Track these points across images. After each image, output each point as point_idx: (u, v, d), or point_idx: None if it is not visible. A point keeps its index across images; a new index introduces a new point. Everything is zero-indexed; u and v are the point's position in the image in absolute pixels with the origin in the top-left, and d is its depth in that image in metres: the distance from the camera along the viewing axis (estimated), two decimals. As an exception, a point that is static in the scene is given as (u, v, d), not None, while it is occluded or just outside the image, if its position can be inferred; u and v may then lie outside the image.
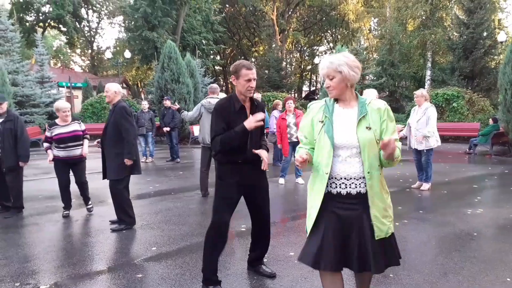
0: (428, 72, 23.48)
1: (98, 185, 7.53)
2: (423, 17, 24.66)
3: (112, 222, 5.15)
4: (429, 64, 23.81)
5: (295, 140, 7.22)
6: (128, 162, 4.82)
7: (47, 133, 5.50)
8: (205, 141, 6.26)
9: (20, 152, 5.60)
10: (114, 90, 5.03)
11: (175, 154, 11.25)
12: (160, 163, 10.99)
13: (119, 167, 4.84)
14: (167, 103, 11.10)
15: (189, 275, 3.58)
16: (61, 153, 5.45)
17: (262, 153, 3.14)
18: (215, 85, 6.79)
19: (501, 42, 18.98)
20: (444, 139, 15.40)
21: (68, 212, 5.67)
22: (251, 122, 3.01)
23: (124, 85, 36.63)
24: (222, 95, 6.85)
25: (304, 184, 7.18)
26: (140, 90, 39.63)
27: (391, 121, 2.31)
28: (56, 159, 5.49)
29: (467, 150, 12.50)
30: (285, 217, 5.59)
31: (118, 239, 4.65)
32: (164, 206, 6.12)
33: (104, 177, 4.99)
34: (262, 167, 3.19)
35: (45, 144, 5.59)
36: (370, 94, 5.56)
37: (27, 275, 3.66)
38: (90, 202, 5.87)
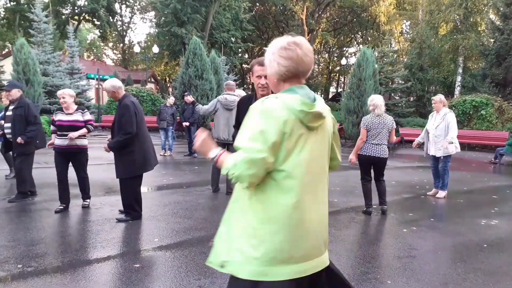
0: (459, 78, 22.83)
1: (112, 175, 7.74)
2: (457, 21, 23.98)
3: (121, 212, 5.24)
4: (460, 70, 23.15)
5: None
6: (105, 149, 4.87)
7: (53, 116, 5.51)
8: (219, 137, 6.30)
9: (27, 133, 5.69)
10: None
11: (193, 149, 11.36)
12: (178, 157, 11.13)
13: (127, 164, 4.83)
14: (188, 98, 11.22)
15: (184, 268, 3.60)
16: (57, 141, 5.35)
17: None
18: (232, 82, 6.83)
19: (537, 50, 18.21)
20: (470, 147, 14.96)
21: (62, 207, 5.39)
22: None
23: (153, 80, 37.33)
24: (240, 92, 6.88)
25: (342, 195, 7.09)
26: (168, 85, 40.27)
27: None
28: (54, 148, 5.40)
29: (493, 159, 12.07)
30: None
31: (123, 228, 4.73)
32: (174, 199, 6.20)
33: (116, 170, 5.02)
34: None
35: (52, 127, 5.56)
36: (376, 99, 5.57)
37: (31, 258, 3.77)
38: (87, 200, 5.66)
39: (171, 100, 11.40)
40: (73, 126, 5.30)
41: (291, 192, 1.62)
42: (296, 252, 1.64)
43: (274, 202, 1.63)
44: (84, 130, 5.36)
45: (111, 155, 5.04)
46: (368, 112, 5.67)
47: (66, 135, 5.25)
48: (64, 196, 5.44)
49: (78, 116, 5.40)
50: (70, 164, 5.49)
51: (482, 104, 15.62)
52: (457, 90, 22.46)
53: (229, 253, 1.68)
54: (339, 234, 4.74)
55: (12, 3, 38.24)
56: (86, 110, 5.61)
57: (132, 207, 5.01)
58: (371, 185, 5.67)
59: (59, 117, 5.36)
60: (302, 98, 1.63)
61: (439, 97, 6.75)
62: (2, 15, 40.49)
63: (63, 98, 5.34)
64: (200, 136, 1.80)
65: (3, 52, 26.36)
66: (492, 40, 20.36)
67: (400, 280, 3.51)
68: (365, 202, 5.66)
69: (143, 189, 5.29)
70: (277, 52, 1.69)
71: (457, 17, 23.54)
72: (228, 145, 5.82)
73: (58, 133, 5.34)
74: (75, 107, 5.46)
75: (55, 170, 5.41)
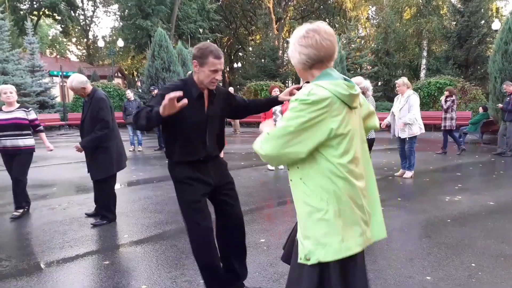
0: (424, 61, 23.41)
1: (80, 173, 7.55)
2: (420, 5, 24.50)
3: (88, 215, 5.02)
4: (424, 53, 23.73)
5: None
6: (77, 149, 4.55)
7: None
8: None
9: None
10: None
11: (163, 143, 11.24)
12: (148, 152, 10.98)
13: (103, 163, 4.57)
14: (155, 92, 11.06)
15: (155, 262, 3.58)
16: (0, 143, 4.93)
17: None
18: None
19: (496, 31, 18.85)
20: (435, 128, 15.40)
21: (18, 213, 5.01)
22: (164, 105, 2.17)
23: (119, 74, 36.49)
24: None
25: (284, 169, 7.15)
26: (136, 79, 39.46)
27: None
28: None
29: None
30: (263, 204, 5.59)
31: (91, 227, 4.63)
32: (144, 195, 6.12)
33: (89, 171, 4.74)
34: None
35: None
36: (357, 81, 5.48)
37: (-6, 262, 3.66)
38: (20, 210, 5.04)
39: (129, 93, 11.19)
40: (17, 124, 4.90)
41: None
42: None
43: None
44: (44, 135, 5.20)
45: (78, 154, 4.83)
46: None
47: (10, 135, 4.87)
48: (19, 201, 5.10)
49: (20, 114, 4.97)
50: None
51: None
52: (422, 73, 23.04)
53: None
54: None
55: (-35, 0, 36.42)
56: (30, 108, 5.17)
57: (108, 209, 4.78)
58: None
59: None
60: (345, 82, 1.68)
61: (402, 80, 6.89)
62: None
63: (10, 93, 4.94)
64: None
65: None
66: (453, 23, 20.93)
67: (368, 259, 3.56)
68: None
69: (113, 186, 5.17)
70: (297, 42, 1.74)
71: (420, 1, 24.06)
72: None
73: (0, 134, 4.88)
74: (18, 104, 5.05)
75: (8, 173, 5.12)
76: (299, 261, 1.73)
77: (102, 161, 4.58)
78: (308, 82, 1.84)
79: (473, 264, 3.44)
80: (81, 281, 3.27)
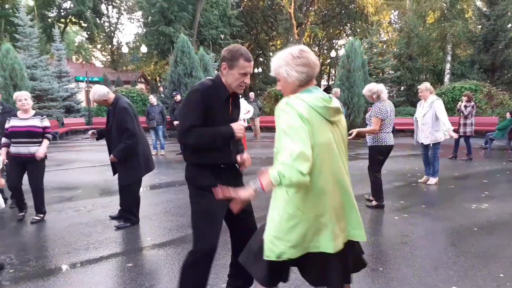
0: (448, 66, 22.94)
1: (104, 176, 7.70)
2: (444, 9, 24.07)
3: (112, 218, 5.12)
4: (448, 58, 23.26)
5: None
6: (112, 159, 4.67)
7: (6, 124, 4.96)
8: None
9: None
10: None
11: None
12: (170, 156, 11.11)
13: (132, 169, 4.68)
14: (177, 97, 11.21)
15: (177, 265, 3.61)
16: (12, 149, 4.89)
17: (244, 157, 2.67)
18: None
19: (524, 34, 18.36)
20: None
21: (23, 214, 5.14)
22: (240, 129, 2.48)
23: (143, 80, 37.13)
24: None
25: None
26: (158, 84, 40.07)
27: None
28: (10, 156, 4.93)
29: (483, 145, 12.17)
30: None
31: (115, 230, 4.72)
32: (166, 198, 6.19)
33: (114, 174, 4.87)
34: (240, 169, 2.74)
35: (3, 139, 4.98)
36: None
37: (23, 262, 3.76)
38: (41, 214, 5.10)
39: (152, 98, 11.38)
40: (32, 132, 4.90)
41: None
42: None
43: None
44: (46, 143, 4.98)
45: (102, 157, 4.94)
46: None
47: (23, 142, 4.84)
48: (22, 205, 5.17)
49: (36, 122, 4.96)
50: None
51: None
52: (446, 78, 22.57)
53: None
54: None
55: (-4, 8, 37.82)
56: (44, 116, 5.16)
57: (132, 212, 4.87)
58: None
59: (13, 123, 4.87)
60: (322, 96, 1.91)
61: (425, 85, 6.78)
62: (-14, 21, 40.04)
63: (25, 100, 4.92)
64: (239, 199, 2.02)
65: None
66: (479, 27, 20.48)
67: (392, 267, 3.55)
68: (379, 196, 5.43)
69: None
70: (291, 63, 1.93)
71: (444, 5, 23.65)
72: None
73: (13, 140, 4.86)
74: (33, 112, 5.08)
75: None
76: (266, 258, 2.00)
77: (131, 166, 4.68)
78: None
79: (501, 275, 3.34)
80: (105, 282, 3.33)
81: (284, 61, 1.94)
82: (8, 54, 14.71)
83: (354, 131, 5.26)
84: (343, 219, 2.03)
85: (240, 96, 5.41)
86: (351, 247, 2.11)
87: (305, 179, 1.76)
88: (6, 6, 36.38)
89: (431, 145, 6.74)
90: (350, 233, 2.07)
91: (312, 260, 2.03)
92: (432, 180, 6.90)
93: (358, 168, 8.61)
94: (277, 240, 1.98)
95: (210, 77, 2.64)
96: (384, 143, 5.30)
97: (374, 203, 5.46)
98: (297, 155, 1.73)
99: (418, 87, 6.96)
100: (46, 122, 5.08)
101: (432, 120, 6.59)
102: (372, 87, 5.37)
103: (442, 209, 5.42)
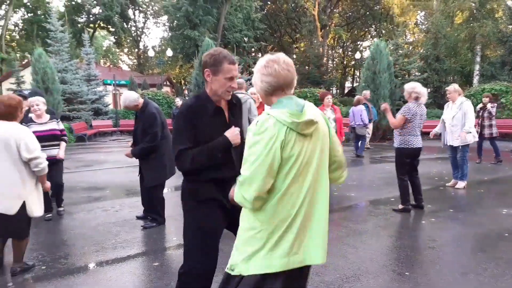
0: (477, 67, 22.34)
1: (131, 177, 7.87)
2: (472, 9, 23.47)
3: (139, 218, 5.23)
4: (478, 59, 22.65)
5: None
6: (128, 155, 4.80)
7: None
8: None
9: None
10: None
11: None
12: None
13: (155, 173, 4.78)
14: (179, 104, 11.37)
15: (202, 265, 3.65)
16: None
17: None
18: (241, 80, 6.70)
19: (558, 34, 17.67)
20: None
21: (50, 216, 5.24)
22: (235, 135, 2.31)
23: (168, 83, 37.71)
24: (252, 90, 6.79)
25: (358, 189, 6.92)
26: (183, 87, 40.61)
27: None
28: None
29: (514, 148, 11.78)
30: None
31: (142, 229, 4.81)
32: (191, 199, 6.25)
33: (139, 175, 4.99)
34: None
35: None
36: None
37: (54, 259, 3.89)
38: (62, 205, 5.55)
39: (178, 102, 11.57)
40: (53, 135, 5.10)
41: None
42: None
43: None
44: (64, 145, 5.25)
45: (129, 159, 5.06)
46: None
47: (46, 146, 4.86)
48: (49, 205, 5.24)
49: (54, 125, 5.18)
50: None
51: (502, 92, 15.24)
52: (475, 79, 21.98)
53: None
54: (356, 228, 4.72)
55: (29, 15, 39.24)
56: (59, 119, 5.40)
57: (157, 212, 4.97)
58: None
59: (34, 128, 4.87)
60: (290, 110, 1.77)
61: (453, 87, 6.64)
62: (20, 27, 41.60)
63: (37, 105, 5.03)
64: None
65: (23, 63, 27.07)
66: (510, 26, 19.85)
67: (419, 272, 3.49)
68: (405, 199, 5.34)
69: (162, 190, 5.35)
70: (259, 71, 1.90)
71: (473, 5, 23.05)
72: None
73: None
74: (47, 116, 5.22)
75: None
76: (226, 270, 1.88)
77: (157, 168, 4.76)
78: None
79: (534, 282, 3.24)
80: (133, 281, 3.41)
81: (256, 69, 1.93)
82: (41, 59, 15.22)
83: (386, 105, 5.47)
84: (306, 232, 1.83)
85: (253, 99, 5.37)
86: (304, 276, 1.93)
87: (256, 207, 1.78)
88: (39, 12, 37.77)
89: (460, 147, 6.58)
90: (309, 252, 1.83)
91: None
92: (461, 184, 6.73)
93: (384, 171, 8.50)
94: (236, 249, 1.89)
95: (196, 94, 2.54)
96: (411, 145, 5.22)
97: (400, 206, 5.37)
98: (250, 184, 1.74)
99: (446, 88, 6.82)
100: (61, 125, 5.36)
101: (462, 121, 6.44)
102: (415, 86, 5.33)
103: (471, 214, 5.28)
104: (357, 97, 11.43)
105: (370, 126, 11.90)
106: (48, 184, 3.81)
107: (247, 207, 1.82)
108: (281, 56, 1.90)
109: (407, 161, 5.35)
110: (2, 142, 3.34)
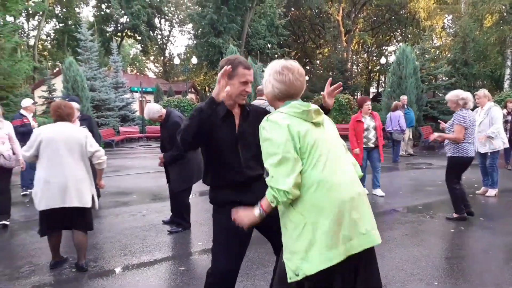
0: (508, 71, 21.66)
1: (157, 183, 8.00)
2: (503, 12, 22.82)
3: (165, 223, 5.33)
4: (508, 63, 21.95)
5: (372, 145, 6.47)
6: (161, 160, 4.88)
7: None
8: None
9: None
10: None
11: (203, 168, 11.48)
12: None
13: (182, 178, 4.87)
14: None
15: (227, 271, 3.68)
16: None
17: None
18: (261, 87, 6.78)
19: None
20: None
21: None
22: (218, 93, 2.20)
23: (193, 90, 38.24)
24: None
25: (384, 196, 6.68)
26: (208, 94, 41.09)
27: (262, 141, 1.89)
28: None
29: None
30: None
31: (168, 234, 4.89)
32: (216, 205, 6.31)
33: (168, 181, 5.11)
34: None
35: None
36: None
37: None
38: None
39: None
40: None
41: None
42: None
43: None
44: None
45: (155, 164, 5.15)
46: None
47: None
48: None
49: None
50: None
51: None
52: (506, 84, 21.32)
53: None
54: (383, 236, 4.61)
55: (61, 25, 40.66)
56: (85, 125, 5.59)
57: (183, 217, 5.06)
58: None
59: None
60: (298, 103, 1.92)
61: (483, 92, 6.49)
62: (52, 37, 43.14)
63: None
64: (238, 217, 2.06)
65: (54, 71, 28.04)
66: (543, 29, 19.22)
67: (448, 281, 3.41)
68: (459, 207, 5.17)
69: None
70: (272, 75, 1.97)
71: (503, 7, 22.41)
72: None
73: None
74: (78, 122, 5.46)
75: None
76: (289, 280, 1.83)
77: (184, 174, 4.84)
78: None
79: None
80: (160, 285, 3.47)
81: (269, 72, 2.00)
82: (71, 67, 15.72)
83: (435, 135, 5.15)
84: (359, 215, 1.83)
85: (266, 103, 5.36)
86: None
87: (294, 194, 1.77)
88: (69, 22, 39.08)
89: (489, 154, 6.41)
90: (365, 236, 1.84)
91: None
92: (491, 192, 6.54)
93: (412, 178, 8.35)
94: (291, 254, 1.84)
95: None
96: (466, 154, 5.03)
97: (454, 215, 5.21)
98: (280, 176, 1.76)
99: (476, 93, 6.65)
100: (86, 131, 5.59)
101: (489, 127, 6.28)
102: (460, 93, 5.20)
103: (503, 223, 5.12)
104: (395, 102, 11.38)
105: (407, 131, 11.82)
106: (103, 182, 4.19)
107: (287, 200, 1.77)
108: (295, 65, 1.98)
109: (461, 169, 5.19)
110: (74, 140, 3.68)
